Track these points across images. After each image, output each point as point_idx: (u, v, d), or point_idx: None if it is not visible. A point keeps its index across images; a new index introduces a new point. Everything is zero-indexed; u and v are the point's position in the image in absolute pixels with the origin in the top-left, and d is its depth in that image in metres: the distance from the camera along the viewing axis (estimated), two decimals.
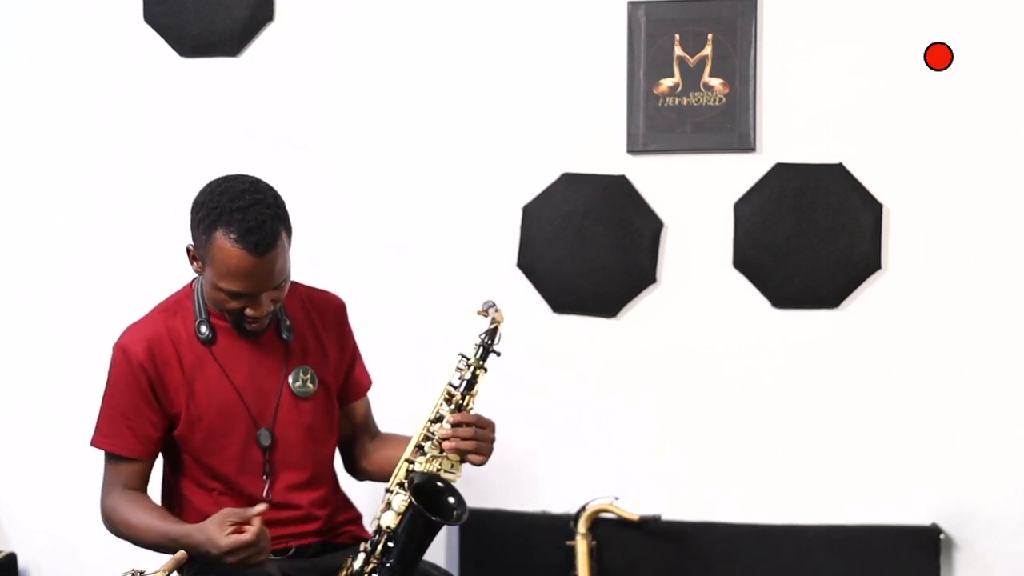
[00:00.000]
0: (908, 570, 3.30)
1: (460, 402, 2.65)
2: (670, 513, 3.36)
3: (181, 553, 2.28)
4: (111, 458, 2.69)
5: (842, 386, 3.37)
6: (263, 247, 2.50)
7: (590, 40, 3.45)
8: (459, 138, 3.52)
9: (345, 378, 2.84)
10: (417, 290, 3.55)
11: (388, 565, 2.54)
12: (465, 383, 2.66)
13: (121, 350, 2.66)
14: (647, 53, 3.40)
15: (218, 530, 2.45)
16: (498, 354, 2.68)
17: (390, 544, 2.54)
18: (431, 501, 2.54)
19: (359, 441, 2.91)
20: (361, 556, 2.57)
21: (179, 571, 2.48)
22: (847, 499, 3.37)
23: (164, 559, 2.53)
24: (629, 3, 3.41)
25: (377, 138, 3.55)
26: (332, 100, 3.57)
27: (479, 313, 2.70)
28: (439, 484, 2.58)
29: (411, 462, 2.62)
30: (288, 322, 2.73)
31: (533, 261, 3.48)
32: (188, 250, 2.63)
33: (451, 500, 2.57)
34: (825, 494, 3.38)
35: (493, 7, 3.49)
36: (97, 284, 3.68)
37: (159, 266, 3.62)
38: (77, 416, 3.63)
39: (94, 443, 2.71)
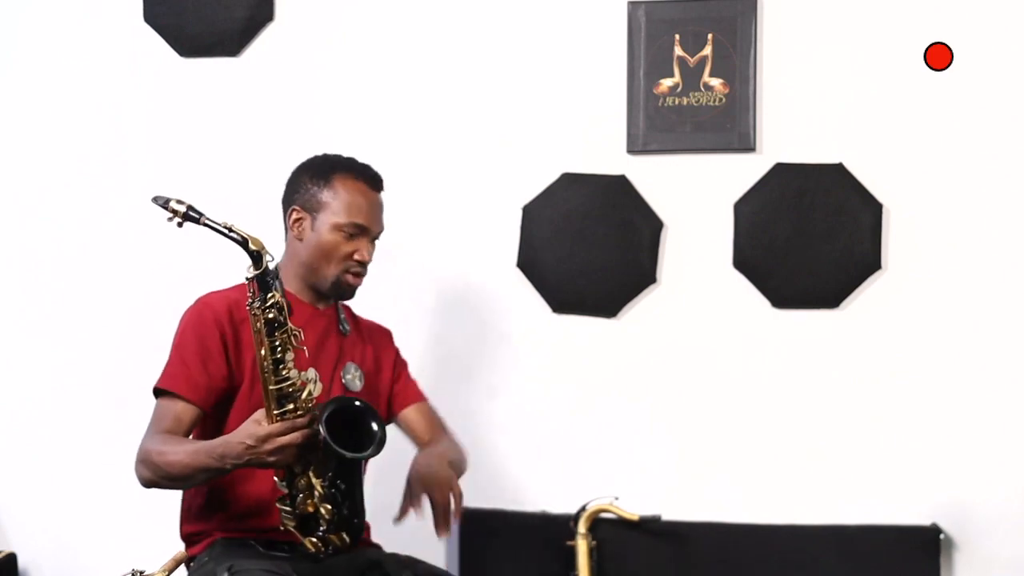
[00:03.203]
0: (908, 570, 3.29)
1: (285, 342, 2.54)
2: (670, 513, 3.35)
3: (180, 552, 2.27)
4: (164, 398, 2.69)
5: (842, 386, 3.37)
6: (379, 183, 2.87)
7: (590, 40, 3.45)
8: (459, 138, 3.52)
9: (391, 386, 2.94)
10: (417, 290, 3.55)
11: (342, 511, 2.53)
12: (269, 324, 2.52)
13: (202, 304, 2.76)
14: (647, 53, 3.40)
15: (255, 425, 2.50)
16: (273, 280, 2.50)
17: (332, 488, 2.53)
18: (351, 425, 2.52)
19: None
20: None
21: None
22: (847, 499, 3.36)
23: (165, 558, 2.53)
24: (629, 3, 3.41)
25: (377, 138, 3.54)
26: (332, 100, 3.57)
27: (168, 219, 2.45)
28: (356, 404, 2.56)
29: (282, 415, 2.54)
30: (344, 316, 2.88)
31: (533, 261, 3.48)
32: (293, 212, 2.80)
33: (374, 426, 2.55)
34: (825, 494, 3.37)
35: (493, 7, 3.49)
36: (97, 284, 3.68)
37: (159, 265, 3.62)
38: (77, 416, 3.66)
39: (159, 384, 2.69)
